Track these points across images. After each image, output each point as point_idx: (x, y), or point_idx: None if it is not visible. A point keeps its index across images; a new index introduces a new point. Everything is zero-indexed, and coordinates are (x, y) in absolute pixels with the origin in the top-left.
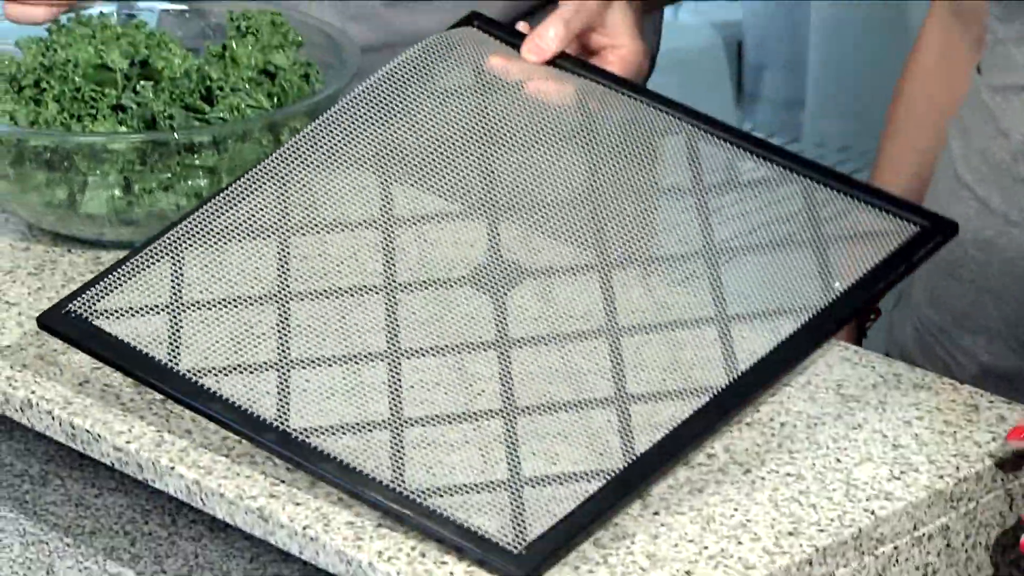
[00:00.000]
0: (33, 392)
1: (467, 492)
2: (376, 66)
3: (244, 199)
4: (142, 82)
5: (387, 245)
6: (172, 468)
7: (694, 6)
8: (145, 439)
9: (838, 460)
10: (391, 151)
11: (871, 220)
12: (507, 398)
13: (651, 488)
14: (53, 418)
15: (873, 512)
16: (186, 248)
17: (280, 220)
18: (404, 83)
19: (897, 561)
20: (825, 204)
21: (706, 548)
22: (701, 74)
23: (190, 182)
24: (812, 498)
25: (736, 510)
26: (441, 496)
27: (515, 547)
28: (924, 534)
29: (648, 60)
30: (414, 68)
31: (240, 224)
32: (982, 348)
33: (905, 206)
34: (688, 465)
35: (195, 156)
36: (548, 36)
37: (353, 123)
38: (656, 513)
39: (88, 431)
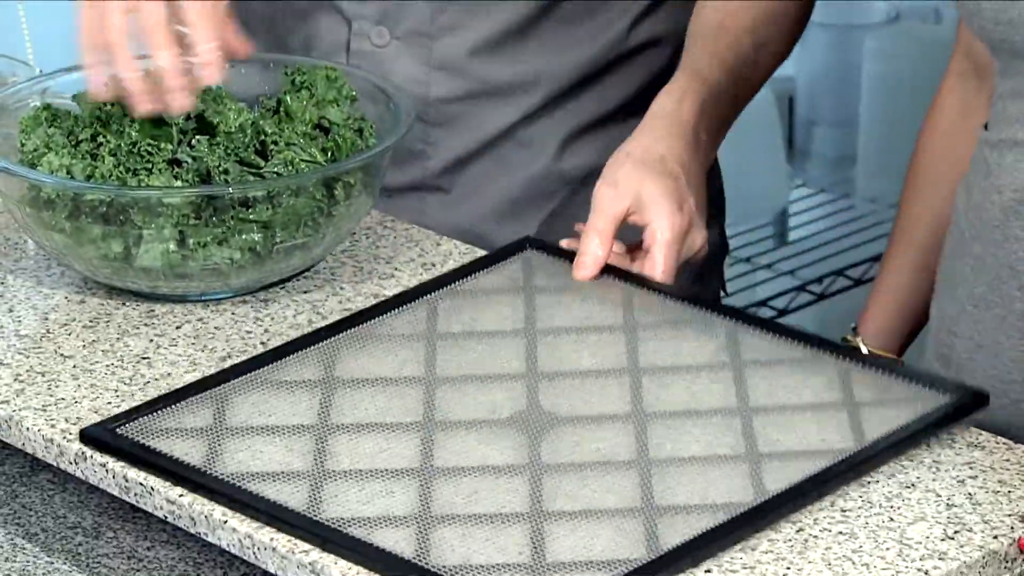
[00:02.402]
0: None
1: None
2: (461, 116)
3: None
4: (197, 136)
5: (427, 400)
6: (224, 521)
7: None
8: (198, 492)
9: (891, 519)
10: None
11: (905, 392)
12: (535, 502)
13: None
14: (107, 471)
15: (927, 572)
16: (232, 395)
17: (324, 378)
18: (457, 302)
19: None
20: (864, 384)
21: None
22: (752, 129)
23: (244, 236)
24: (865, 557)
25: (788, 569)
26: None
27: None
28: None
29: (704, 234)
30: (467, 285)
31: (287, 378)
32: None
33: (935, 381)
34: None
35: (249, 210)
36: (591, 250)
37: (400, 322)
38: (708, 572)
39: (141, 484)
